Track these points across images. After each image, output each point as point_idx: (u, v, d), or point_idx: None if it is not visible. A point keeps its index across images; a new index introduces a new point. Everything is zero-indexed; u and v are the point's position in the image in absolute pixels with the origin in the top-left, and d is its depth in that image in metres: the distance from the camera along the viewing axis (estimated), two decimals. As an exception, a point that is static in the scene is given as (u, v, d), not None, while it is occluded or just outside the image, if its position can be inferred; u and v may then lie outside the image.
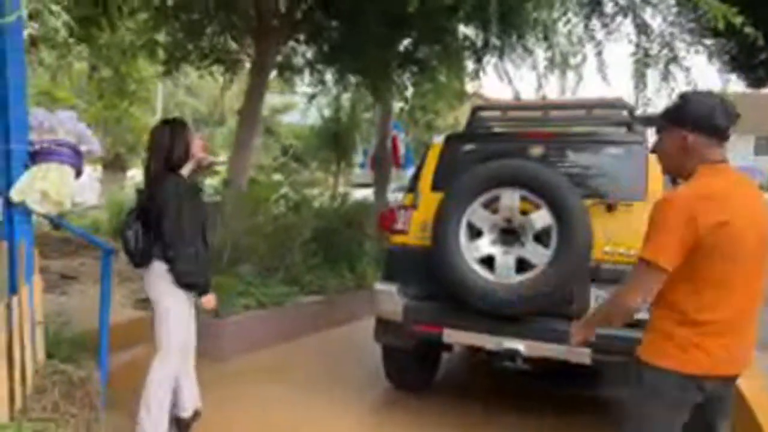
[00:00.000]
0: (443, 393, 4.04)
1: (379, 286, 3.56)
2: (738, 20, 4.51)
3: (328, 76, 8.77)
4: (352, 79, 8.66)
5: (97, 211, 8.82)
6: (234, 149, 6.69)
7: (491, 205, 3.16)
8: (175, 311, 2.70)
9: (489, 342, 3.12)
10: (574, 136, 3.57)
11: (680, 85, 5.51)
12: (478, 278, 3.07)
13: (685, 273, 1.75)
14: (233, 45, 7.27)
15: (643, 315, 2.87)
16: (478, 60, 6.91)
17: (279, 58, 7.69)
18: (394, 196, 9.37)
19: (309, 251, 5.83)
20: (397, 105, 9.69)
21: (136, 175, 15.80)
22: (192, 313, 2.85)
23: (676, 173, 1.94)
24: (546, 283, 2.94)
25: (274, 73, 8.30)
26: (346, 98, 9.74)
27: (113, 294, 3.50)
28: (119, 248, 2.88)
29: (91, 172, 6.31)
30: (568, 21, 6.13)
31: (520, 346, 3.04)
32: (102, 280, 2.95)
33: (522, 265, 3.06)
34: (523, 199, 3.07)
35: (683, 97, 1.91)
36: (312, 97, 8.71)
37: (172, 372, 2.73)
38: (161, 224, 2.61)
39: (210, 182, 7.45)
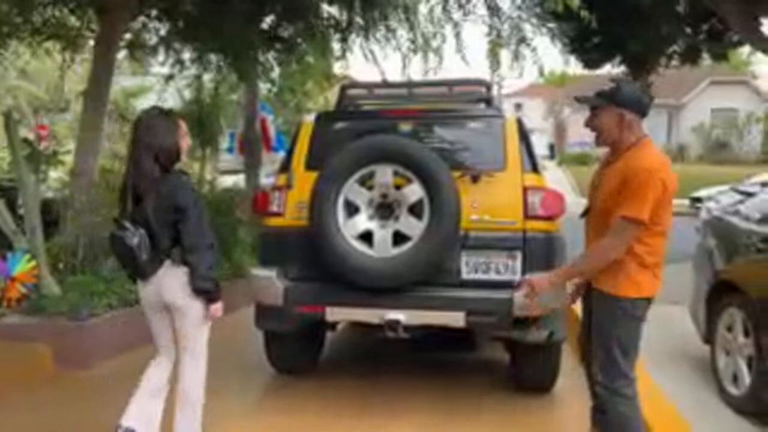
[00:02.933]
0: (330, 373, 4.06)
1: (257, 271, 3.46)
2: (575, 3, 4.96)
3: (186, 55, 8.26)
4: (213, 58, 8.23)
5: None
6: (80, 136, 6.02)
7: (366, 182, 3.20)
8: (203, 313, 2.59)
9: (371, 316, 3.18)
10: (439, 113, 3.72)
11: (528, 64, 5.96)
12: (357, 254, 3.10)
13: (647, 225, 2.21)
14: (72, 19, 6.52)
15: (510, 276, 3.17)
16: (344, 39, 6.91)
17: (128, 36, 7.07)
18: (268, 181, 9.15)
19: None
20: (264, 86, 9.40)
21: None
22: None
23: (611, 144, 2.35)
24: (421, 254, 3.05)
25: (123, 53, 7.63)
26: (208, 79, 9.21)
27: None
28: None
29: None
30: (428, 0, 6.35)
31: (400, 316, 3.12)
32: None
33: (398, 239, 3.14)
34: (396, 174, 3.14)
35: (616, 82, 2.33)
36: (169, 77, 8.12)
37: (205, 373, 2.68)
38: (182, 228, 2.47)
39: (55, 174, 6.69)
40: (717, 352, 3.56)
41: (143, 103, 18.60)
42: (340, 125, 3.63)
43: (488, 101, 3.88)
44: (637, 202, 2.16)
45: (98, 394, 3.63)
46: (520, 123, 3.48)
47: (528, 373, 3.65)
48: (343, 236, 3.13)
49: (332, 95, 10.40)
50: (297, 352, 3.89)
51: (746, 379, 3.18)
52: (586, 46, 9.07)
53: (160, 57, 8.33)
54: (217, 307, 2.61)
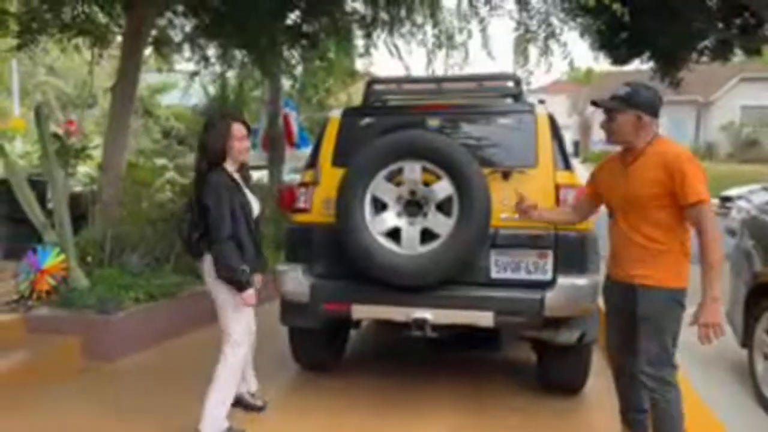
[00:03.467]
0: (354, 370, 4.04)
1: (283, 267, 3.44)
2: (607, -2, 4.84)
3: (211, 52, 8.30)
4: (237, 54, 8.25)
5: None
6: (108, 132, 6.09)
7: (394, 178, 3.15)
8: (230, 301, 2.85)
9: (398, 314, 3.13)
10: (468, 108, 3.65)
11: (557, 59, 5.85)
12: (385, 251, 3.05)
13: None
14: (100, 15, 6.58)
15: (541, 276, 3.10)
16: (368, 35, 6.86)
17: (154, 32, 7.12)
18: (290, 177, 9.14)
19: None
20: (287, 83, 9.41)
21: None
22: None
23: (626, 144, 2.45)
24: (450, 252, 2.99)
25: (149, 49, 7.69)
26: (231, 75, 9.26)
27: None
28: None
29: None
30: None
31: (428, 315, 3.07)
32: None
33: (426, 236, 3.09)
34: (425, 170, 3.08)
35: (631, 86, 2.44)
36: (194, 74, 8.17)
37: (242, 358, 2.92)
38: (205, 220, 2.79)
39: (83, 169, 6.78)
40: (755, 356, 3.44)
41: (167, 99, 18.84)
42: (367, 121, 3.57)
43: (518, 96, 3.80)
44: (702, 184, 2.28)
45: (123, 388, 3.67)
46: (552, 119, 3.39)
47: (557, 375, 3.57)
48: (371, 233, 3.09)
49: (355, 92, 10.38)
50: (322, 348, 3.87)
51: (788, 386, 3.06)
52: (614, 41, 8.86)
53: (186, 53, 8.39)
54: (248, 296, 2.81)
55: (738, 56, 12.06)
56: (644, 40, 9.62)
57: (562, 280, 3.06)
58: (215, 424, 2.83)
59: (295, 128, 10.03)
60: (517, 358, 4.31)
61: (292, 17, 7.01)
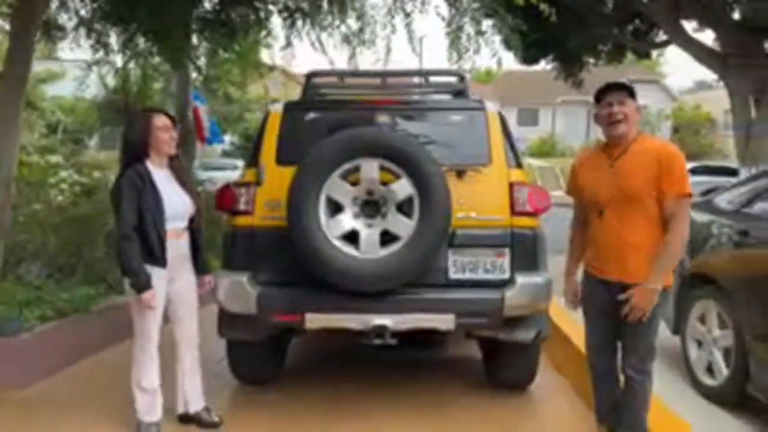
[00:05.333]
0: (295, 381, 3.79)
1: (224, 275, 3.13)
2: (535, -2, 4.91)
3: (112, 39, 7.54)
4: (142, 42, 7.57)
5: None
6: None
7: (349, 177, 2.96)
8: (134, 299, 2.78)
9: (355, 322, 2.95)
10: (418, 104, 3.53)
11: (485, 59, 5.90)
12: (343, 256, 2.86)
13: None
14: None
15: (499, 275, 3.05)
16: (291, 26, 6.54)
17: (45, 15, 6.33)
18: (208, 175, 8.59)
19: (113, 243, 4.95)
20: (195, 74, 8.82)
21: None
22: (181, 301, 2.96)
23: (622, 136, 2.45)
24: (412, 254, 2.86)
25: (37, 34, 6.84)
26: (134, 66, 8.49)
27: None
28: None
29: None
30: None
31: (387, 321, 2.92)
32: None
33: (386, 239, 2.93)
34: (383, 168, 2.92)
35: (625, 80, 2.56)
36: (95, 63, 7.39)
37: (151, 353, 2.86)
38: None
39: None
40: (688, 343, 3.63)
41: (54, 90, 17.16)
42: (313, 115, 3.35)
43: (463, 93, 3.74)
44: (685, 180, 2.38)
45: (33, 418, 3.19)
46: (501, 117, 3.36)
47: (506, 372, 3.57)
48: (326, 237, 2.88)
49: (274, 85, 9.97)
50: (264, 361, 3.59)
51: (723, 370, 3.25)
52: (525, 42, 9.17)
53: (81, 39, 7.57)
54: (145, 297, 2.71)
55: (630, 59, 13.04)
56: (553, 42, 10.08)
57: (521, 279, 3.04)
58: (142, 408, 2.87)
59: (206, 122, 9.47)
60: (461, 355, 4.29)
61: (209, 5, 6.52)
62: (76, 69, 8.73)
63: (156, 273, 2.77)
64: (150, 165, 2.84)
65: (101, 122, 10.80)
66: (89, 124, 12.77)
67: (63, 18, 7.22)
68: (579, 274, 2.81)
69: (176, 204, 2.86)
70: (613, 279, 2.49)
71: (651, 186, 2.37)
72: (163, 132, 2.83)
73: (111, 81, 9.26)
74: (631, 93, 2.47)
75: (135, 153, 2.82)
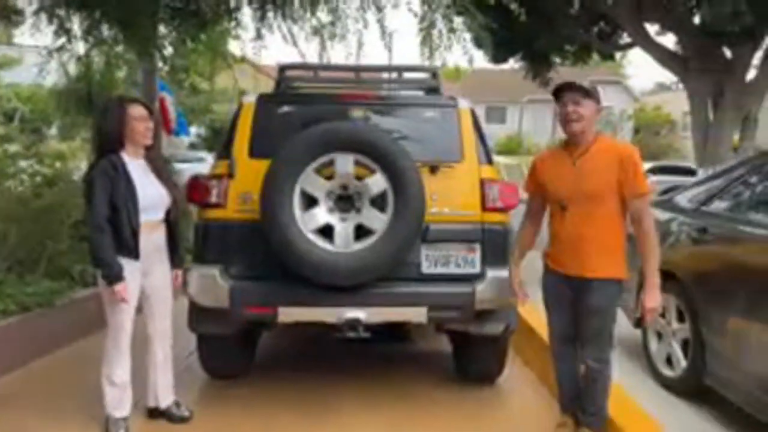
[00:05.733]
0: (266, 374, 3.77)
1: (195, 269, 3.10)
2: (504, -2, 5.00)
3: (74, 25, 7.30)
4: (107, 30, 7.36)
5: None
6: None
7: (323, 171, 2.97)
8: (105, 291, 2.75)
9: (328, 315, 2.97)
10: (392, 99, 3.55)
11: (456, 56, 5.96)
12: (317, 250, 2.86)
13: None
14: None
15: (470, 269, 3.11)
16: (261, 18, 6.47)
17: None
18: (175, 167, 8.41)
19: (78, 236, 4.83)
20: (161, 64, 8.62)
21: None
22: (155, 295, 2.92)
23: (580, 134, 2.52)
24: (386, 248, 2.89)
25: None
26: (98, 53, 8.24)
27: None
28: None
29: None
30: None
31: (360, 314, 2.95)
32: None
33: (360, 233, 2.95)
34: (357, 163, 2.94)
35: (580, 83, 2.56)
36: (58, 49, 7.14)
37: (122, 344, 2.82)
38: None
39: None
40: (649, 336, 3.77)
41: (10, 77, 16.51)
42: (287, 109, 3.33)
43: (436, 90, 3.78)
44: (644, 179, 2.50)
45: (2, 412, 3.10)
46: (473, 113, 3.41)
47: (476, 365, 3.64)
48: (300, 230, 2.88)
49: (244, 78, 9.82)
50: (235, 355, 3.57)
51: (682, 362, 3.39)
52: (495, 40, 9.31)
53: (41, 25, 7.32)
54: (116, 290, 2.67)
55: (595, 60, 13.37)
56: (521, 42, 10.24)
57: (491, 273, 3.10)
58: (111, 403, 2.83)
59: (172, 113, 9.29)
60: (430, 348, 4.34)
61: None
62: (34, 55, 8.44)
63: (129, 265, 2.73)
64: (125, 155, 2.78)
65: (62, 111, 10.44)
66: (48, 113, 12.33)
67: (22, 1, 6.99)
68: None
69: (151, 195, 2.82)
70: (573, 274, 2.58)
71: (612, 185, 2.47)
72: (139, 122, 2.78)
73: (73, 69, 8.94)
74: (587, 93, 2.52)
75: (109, 143, 2.76)
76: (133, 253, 2.74)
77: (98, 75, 8.69)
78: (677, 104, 23.03)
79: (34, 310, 3.91)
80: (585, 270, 2.53)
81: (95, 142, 2.83)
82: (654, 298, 2.49)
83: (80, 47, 7.79)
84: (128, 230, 2.71)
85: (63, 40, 7.27)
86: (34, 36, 7.70)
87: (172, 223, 2.98)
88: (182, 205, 3.15)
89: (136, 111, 2.79)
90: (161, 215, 2.91)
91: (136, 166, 2.80)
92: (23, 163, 5.88)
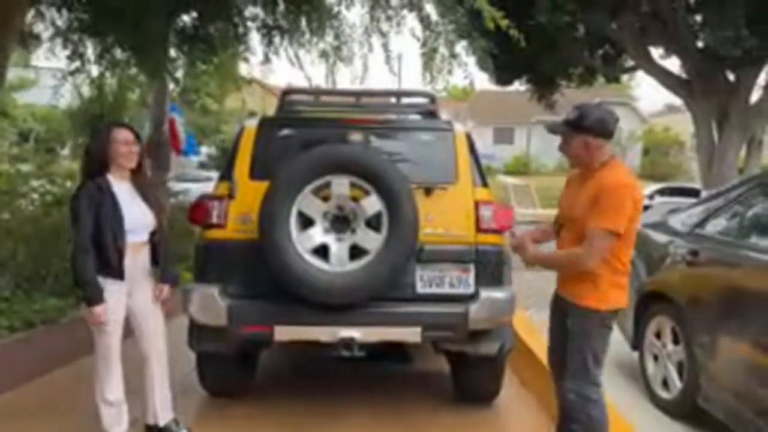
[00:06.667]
0: (264, 393, 3.82)
1: (195, 288, 3.17)
2: (504, 23, 5.12)
3: (89, 50, 7.53)
4: (119, 54, 7.58)
5: None
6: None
7: (320, 193, 3.05)
8: (88, 312, 2.74)
9: (324, 334, 3.02)
10: (390, 123, 3.65)
11: (458, 79, 6.08)
12: (313, 269, 2.93)
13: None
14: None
15: (464, 289, 3.15)
16: (269, 43, 6.65)
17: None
18: (183, 186, 8.58)
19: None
20: (172, 86, 8.83)
21: None
22: (142, 314, 2.95)
23: (583, 167, 2.53)
24: (380, 268, 2.96)
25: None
26: (111, 76, 8.47)
27: None
28: None
29: None
30: (349, 5, 6.27)
31: (355, 333, 3.00)
32: None
33: (355, 252, 3.02)
34: (353, 185, 3.02)
35: (580, 109, 2.46)
36: (73, 72, 7.36)
37: (112, 364, 2.85)
38: None
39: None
40: (645, 358, 3.78)
41: (26, 98, 16.91)
42: (287, 132, 3.44)
43: (434, 114, 3.87)
44: (615, 216, 2.32)
45: (4, 428, 3.16)
46: (469, 137, 3.49)
47: (473, 385, 3.66)
48: (297, 250, 2.96)
49: (252, 100, 10.03)
50: (234, 373, 3.62)
51: (677, 383, 3.39)
52: (498, 63, 9.44)
53: (57, 49, 7.56)
54: (95, 312, 2.69)
55: (599, 81, 13.45)
56: (525, 64, 10.37)
57: (484, 294, 3.15)
58: (108, 421, 2.88)
59: (181, 134, 9.48)
60: (429, 369, 4.36)
61: (187, 18, 6.59)
62: (50, 77, 8.68)
63: (113, 285, 2.77)
64: (111, 178, 2.84)
65: (75, 132, 10.68)
66: (62, 133, 12.60)
67: (39, 27, 7.22)
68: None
69: (136, 217, 2.86)
70: (561, 293, 2.63)
71: (585, 213, 2.39)
72: (122, 145, 2.83)
73: (86, 91, 9.20)
74: (576, 126, 2.44)
75: (95, 165, 2.83)
76: (118, 274, 2.78)
77: (111, 97, 8.95)
78: (686, 125, 23.00)
79: (39, 326, 4.00)
80: (566, 293, 2.56)
81: (83, 164, 2.90)
82: (523, 247, 2.63)
83: (93, 70, 8.03)
84: (113, 251, 2.75)
85: (77, 63, 7.49)
86: (49, 59, 7.98)
87: (156, 243, 3.00)
88: (165, 227, 3.21)
89: (121, 135, 2.84)
90: (146, 237, 2.95)
91: (121, 188, 2.85)
92: (35, 183, 6.04)
